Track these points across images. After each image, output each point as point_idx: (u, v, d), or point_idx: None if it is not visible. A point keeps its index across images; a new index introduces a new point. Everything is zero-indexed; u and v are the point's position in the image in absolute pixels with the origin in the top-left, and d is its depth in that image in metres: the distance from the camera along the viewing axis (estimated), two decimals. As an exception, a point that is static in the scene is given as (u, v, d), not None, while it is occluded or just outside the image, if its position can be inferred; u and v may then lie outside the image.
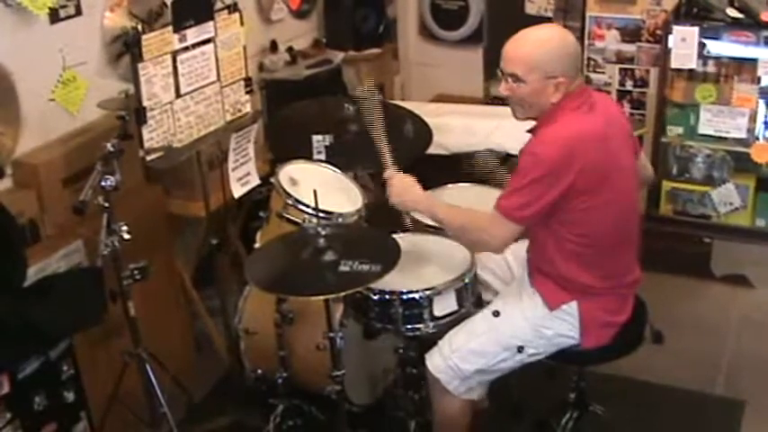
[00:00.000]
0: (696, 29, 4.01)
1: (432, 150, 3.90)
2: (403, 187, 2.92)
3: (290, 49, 4.47)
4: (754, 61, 3.99)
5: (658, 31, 4.48)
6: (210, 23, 3.28)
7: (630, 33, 4.62)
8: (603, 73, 4.73)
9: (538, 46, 2.64)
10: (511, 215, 2.63)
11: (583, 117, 2.65)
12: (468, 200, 3.49)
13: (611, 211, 2.67)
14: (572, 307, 2.77)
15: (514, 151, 3.90)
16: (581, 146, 2.58)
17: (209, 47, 3.30)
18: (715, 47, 4.06)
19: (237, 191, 3.44)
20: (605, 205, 2.64)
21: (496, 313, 2.84)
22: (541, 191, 2.58)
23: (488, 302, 2.96)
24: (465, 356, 2.81)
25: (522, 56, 2.64)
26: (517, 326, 2.81)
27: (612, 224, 2.70)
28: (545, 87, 2.64)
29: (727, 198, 4.28)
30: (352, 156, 3.56)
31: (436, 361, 2.86)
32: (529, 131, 2.78)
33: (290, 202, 3.14)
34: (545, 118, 2.68)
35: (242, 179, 3.45)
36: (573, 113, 2.64)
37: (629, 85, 4.71)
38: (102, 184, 2.78)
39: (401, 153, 3.79)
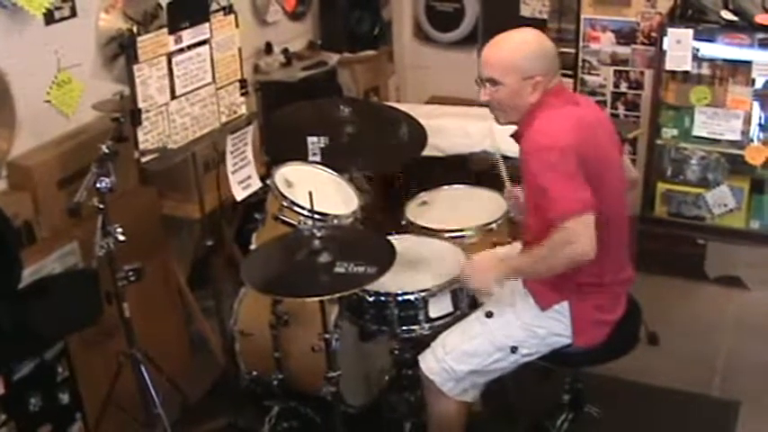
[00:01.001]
0: (690, 31, 4.02)
1: (427, 152, 3.90)
2: (477, 270, 2.78)
3: (285, 51, 4.47)
4: (748, 63, 4.00)
5: (653, 34, 4.49)
6: (206, 25, 3.28)
7: (625, 35, 4.63)
8: (598, 75, 4.74)
9: (513, 49, 2.67)
10: (576, 210, 2.50)
11: (567, 108, 2.67)
12: (463, 201, 3.51)
13: (604, 207, 2.67)
14: (563, 307, 2.77)
15: (509, 153, 3.91)
16: (576, 126, 2.60)
17: (205, 48, 3.30)
18: (709, 49, 4.07)
19: (239, 194, 3.44)
20: (599, 201, 2.63)
21: (489, 314, 2.84)
22: (573, 171, 2.52)
23: (482, 303, 2.96)
24: (459, 357, 2.81)
25: (498, 60, 2.67)
26: (510, 326, 2.81)
27: (605, 220, 2.69)
28: (523, 88, 2.66)
29: (722, 200, 4.28)
30: (347, 157, 3.56)
31: (430, 363, 2.86)
32: (512, 136, 2.79)
33: (285, 203, 3.15)
34: (527, 119, 2.69)
35: (243, 182, 3.46)
36: (556, 109, 2.66)
37: (623, 87, 4.72)
38: (97, 185, 2.78)
39: (396, 155, 3.82)
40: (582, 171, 2.53)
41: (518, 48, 2.67)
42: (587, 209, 2.51)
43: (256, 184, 3.50)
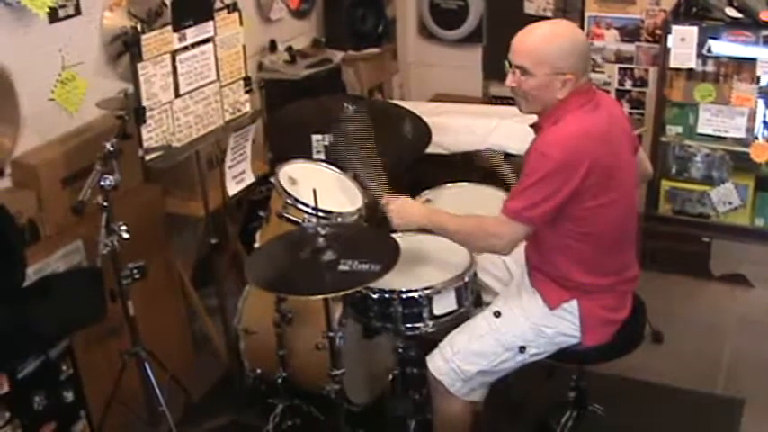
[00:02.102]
0: (695, 28, 4.02)
1: (431, 150, 3.90)
2: (403, 209, 2.88)
3: (289, 49, 4.46)
4: (753, 61, 4.00)
5: (657, 31, 4.49)
6: (210, 23, 3.28)
7: (630, 33, 4.62)
8: (603, 72, 4.74)
9: (548, 40, 2.61)
10: (519, 217, 2.60)
11: (588, 116, 2.64)
12: (467, 199, 3.50)
13: (614, 210, 2.67)
14: (572, 306, 2.77)
15: (513, 151, 3.91)
16: (588, 144, 2.57)
17: (209, 46, 3.30)
18: (714, 46, 4.06)
19: (232, 189, 3.44)
20: (610, 204, 2.63)
21: (497, 314, 2.84)
22: (550, 191, 2.55)
23: (488, 304, 2.95)
24: (467, 358, 2.80)
25: (531, 48, 2.62)
26: (518, 326, 2.80)
27: (615, 223, 2.70)
28: (552, 82, 2.61)
29: (726, 197, 4.28)
30: (351, 155, 3.56)
31: (438, 363, 2.85)
32: (531, 126, 2.77)
33: (289, 201, 3.14)
34: (549, 114, 2.67)
35: (237, 177, 3.45)
36: (578, 111, 2.62)
37: (628, 85, 4.71)
38: (102, 183, 2.78)
39: (400, 152, 3.82)
40: (577, 187, 2.55)
41: (553, 40, 2.61)
42: (527, 224, 2.62)
43: (249, 180, 3.50)
